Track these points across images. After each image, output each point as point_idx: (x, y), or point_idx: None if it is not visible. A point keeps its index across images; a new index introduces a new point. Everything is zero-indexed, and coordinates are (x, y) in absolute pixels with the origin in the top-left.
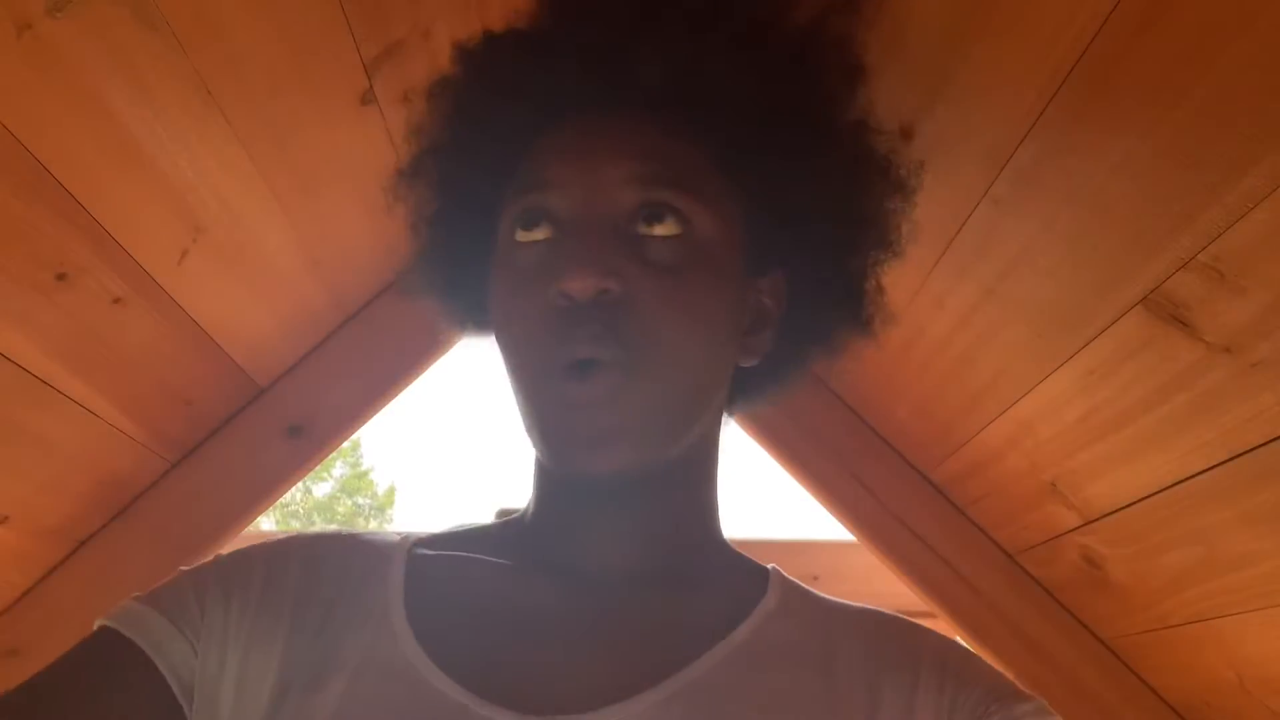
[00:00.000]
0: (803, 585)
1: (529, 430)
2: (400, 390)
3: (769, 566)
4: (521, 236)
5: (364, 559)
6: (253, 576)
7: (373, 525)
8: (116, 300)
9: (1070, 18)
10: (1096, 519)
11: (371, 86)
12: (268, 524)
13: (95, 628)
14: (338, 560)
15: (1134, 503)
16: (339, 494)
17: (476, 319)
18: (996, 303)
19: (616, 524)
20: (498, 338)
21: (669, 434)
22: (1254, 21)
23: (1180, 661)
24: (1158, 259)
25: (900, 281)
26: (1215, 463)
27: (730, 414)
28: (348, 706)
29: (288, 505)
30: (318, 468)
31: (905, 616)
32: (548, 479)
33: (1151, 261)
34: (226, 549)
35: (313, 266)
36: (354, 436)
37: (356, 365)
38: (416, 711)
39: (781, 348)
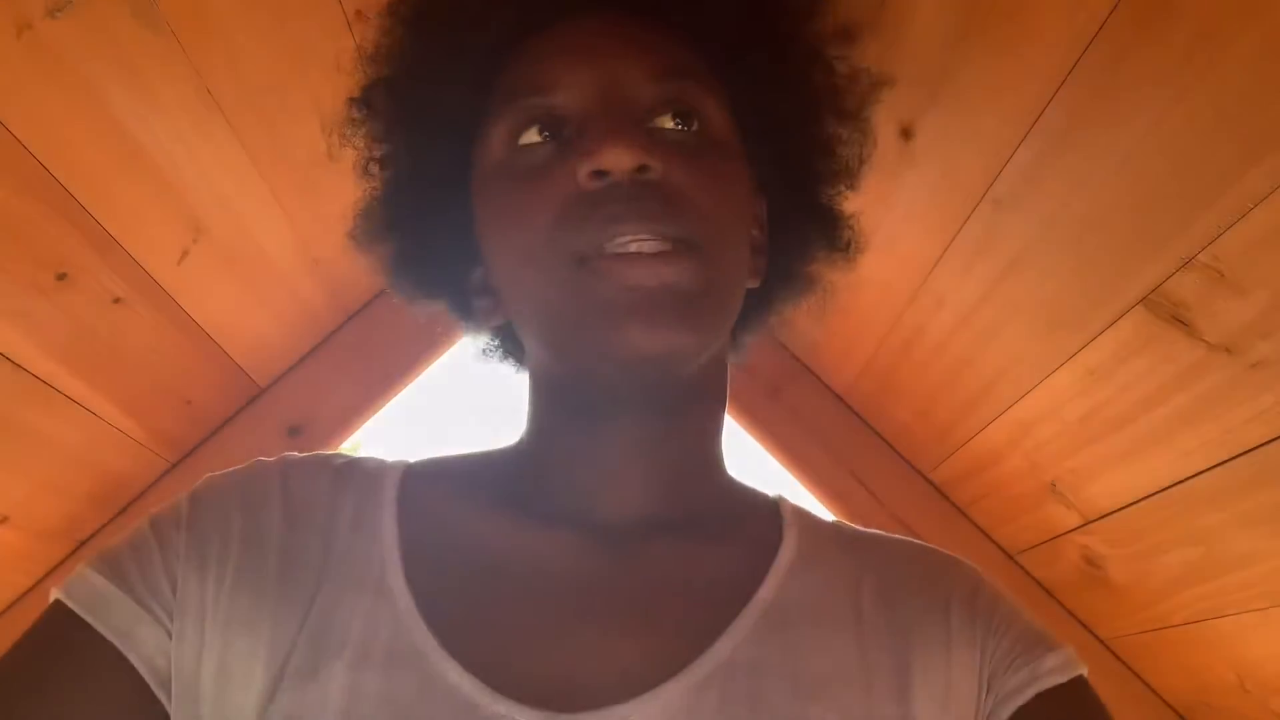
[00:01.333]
0: (813, 515)
1: (563, 328)
2: (400, 390)
3: (774, 497)
4: (525, 139)
5: (354, 498)
6: (230, 536)
7: None
8: (116, 300)
9: (1070, 18)
10: (1096, 519)
11: None
12: None
13: (51, 600)
14: (325, 501)
15: (1134, 503)
16: None
17: (436, 274)
18: (996, 303)
19: (629, 446)
20: (500, 247)
21: (722, 325)
22: (1254, 21)
23: (1180, 661)
24: (1158, 259)
25: (900, 281)
26: (1215, 463)
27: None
28: (355, 707)
29: None
30: None
31: (923, 543)
32: (554, 396)
33: (1151, 261)
34: None
35: (313, 266)
36: (354, 436)
37: (356, 365)
38: (427, 712)
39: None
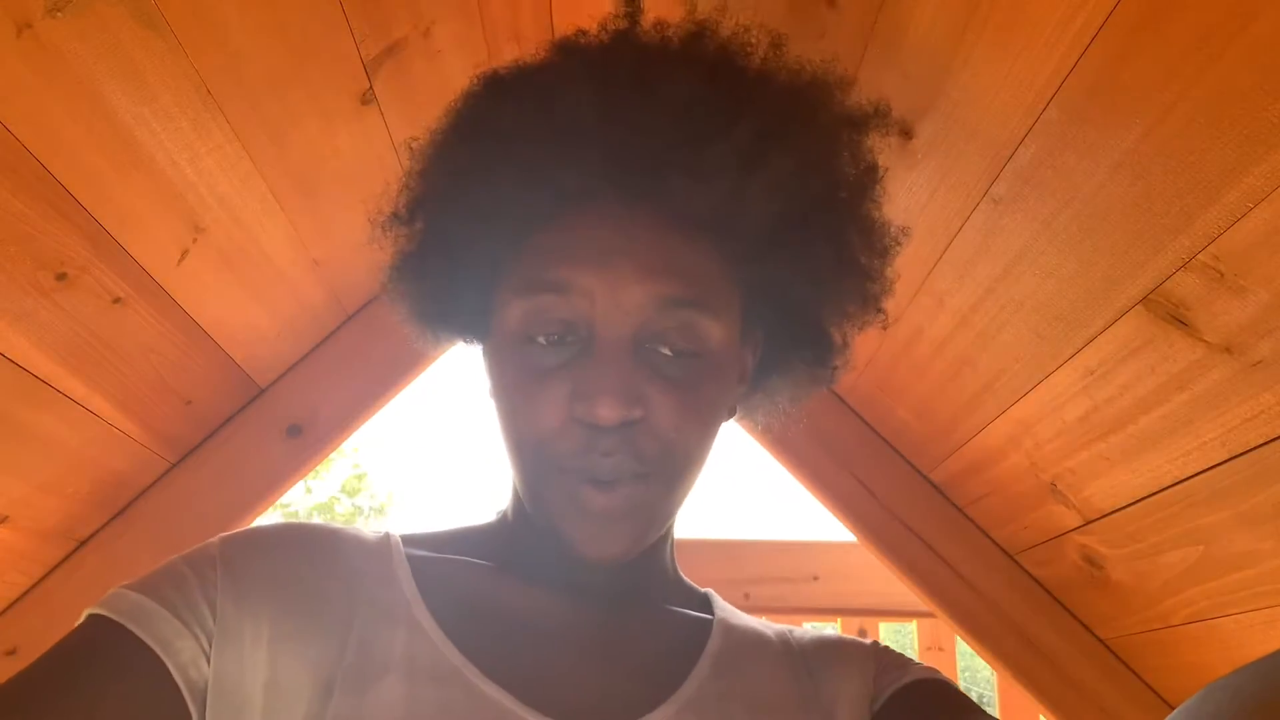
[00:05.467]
0: (729, 606)
1: (537, 511)
2: (400, 390)
3: (704, 591)
4: (539, 339)
5: (363, 557)
6: (262, 574)
7: (373, 527)
8: (116, 300)
9: (1070, 18)
10: (1096, 519)
11: (371, 86)
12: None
13: (87, 616)
14: (342, 556)
15: (1134, 503)
16: (338, 495)
17: (449, 329)
18: (996, 303)
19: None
20: (503, 421)
21: (666, 522)
22: (1254, 21)
23: (1180, 661)
24: (1158, 259)
25: (900, 281)
26: (1215, 463)
27: None
28: (415, 710)
29: (287, 505)
30: (317, 468)
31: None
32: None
33: (1151, 261)
34: None
35: (313, 266)
36: (353, 437)
37: (356, 365)
38: (477, 718)
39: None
